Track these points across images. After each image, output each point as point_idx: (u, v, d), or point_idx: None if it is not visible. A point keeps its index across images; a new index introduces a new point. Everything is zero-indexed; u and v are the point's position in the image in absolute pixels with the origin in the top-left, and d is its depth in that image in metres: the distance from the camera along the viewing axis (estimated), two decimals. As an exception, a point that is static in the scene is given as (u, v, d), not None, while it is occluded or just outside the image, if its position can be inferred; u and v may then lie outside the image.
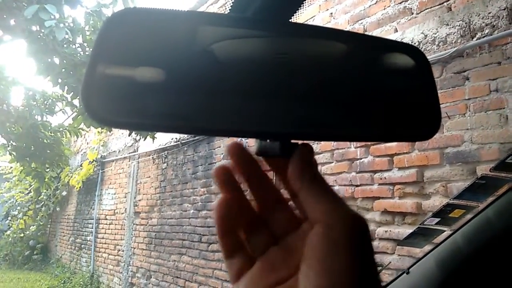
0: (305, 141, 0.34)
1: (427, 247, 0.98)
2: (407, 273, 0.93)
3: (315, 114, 0.33)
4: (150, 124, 0.32)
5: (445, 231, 0.94)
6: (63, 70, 4.31)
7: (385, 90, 0.35)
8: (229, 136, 0.33)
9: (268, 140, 0.33)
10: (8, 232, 10.88)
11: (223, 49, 0.33)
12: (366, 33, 2.89)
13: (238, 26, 0.33)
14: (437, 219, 0.96)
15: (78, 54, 4.19)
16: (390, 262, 2.37)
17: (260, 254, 0.34)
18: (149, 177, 6.05)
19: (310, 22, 3.37)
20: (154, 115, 0.30)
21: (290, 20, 0.35)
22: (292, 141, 0.33)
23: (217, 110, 0.31)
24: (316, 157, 3.20)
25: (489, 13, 2.16)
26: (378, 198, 2.64)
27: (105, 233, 7.44)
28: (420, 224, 1.01)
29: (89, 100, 0.29)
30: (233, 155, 0.34)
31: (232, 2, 0.33)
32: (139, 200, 6.25)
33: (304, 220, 0.34)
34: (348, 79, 0.35)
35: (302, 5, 0.34)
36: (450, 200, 0.95)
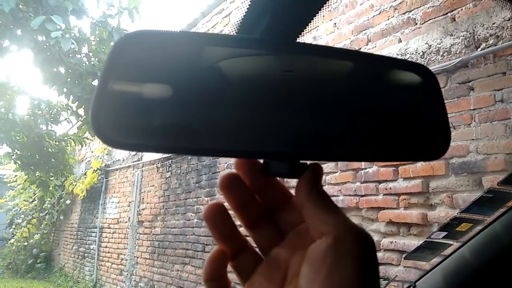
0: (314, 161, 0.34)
1: (434, 260, 0.97)
2: (414, 286, 0.92)
3: (324, 134, 0.33)
4: (158, 146, 0.32)
5: (452, 245, 0.93)
6: (69, 79, 4.35)
7: (394, 110, 0.35)
8: (238, 157, 0.34)
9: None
10: (12, 240, 10.89)
11: (230, 69, 0.33)
12: (370, 43, 2.90)
13: (244, 46, 0.33)
14: (444, 233, 0.95)
15: (84, 64, 4.23)
16: (397, 276, 2.35)
17: (247, 278, 0.34)
18: (153, 186, 6.05)
19: (314, 32, 3.38)
20: (163, 136, 0.31)
21: (297, 41, 0.35)
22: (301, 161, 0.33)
23: (227, 132, 0.31)
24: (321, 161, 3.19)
25: (493, 23, 2.17)
26: (383, 208, 2.62)
27: (109, 242, 7.43)
28: (427, 238, 1.00)
29: (99, 120, 0.29)
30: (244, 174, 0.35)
31: (239, 24, 0.34)
32: (143, 209, 6.25)
33: (289, 231, 0.35)
34: (357, 98, 0.35)
35: (308, 25, 0.35)
36: (457, 213, 0.94)
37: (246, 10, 0.33)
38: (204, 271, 0.34)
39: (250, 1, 0.32)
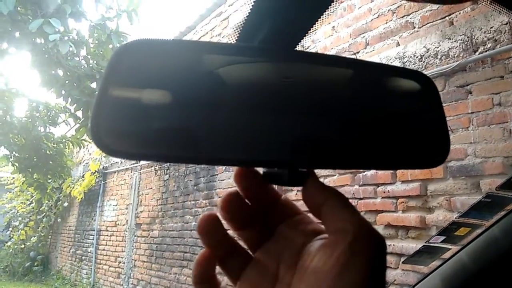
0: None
1: (433, 264, 0.97)
2: (412, 291, 0.91)
3: (323, 142, 0.33)
4: (157, 155, 0.32)
5: (450, 249, 0.93)
6: (67, 82, 4.35)
7: (393, 118, 0.35)
8: (238, 165, 0.33)
9: (276, 168, 0.33)
10: (9, 243, 10.84)
11: (230, 77, 0.33)
12: (368, 46, 2.91)
13: (243, 54, 0.33)
14: (442, 237, 0.95)
15: (82, 67, 4.23)
16: (395, 280, 2.35)
17: (238, 277, 0.34)
18: (151, 188, 6.04)
19: (312, 36, 3.38)
20: (163, 145, 0.30)
21: (296, 49, 0.35)
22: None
23: (227, 141, 0.31)
24: (319, 169, 3.15)
25: (491, 27, 2.17)
26: (381, 211, 2.62)
27: (106, 244, 7.41)
28: (425, 242, 1.00)
29: (99, 129, 0.29)
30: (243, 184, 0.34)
31: (239, 32, 0.34)
32: (141, 212, 6.23)
33: (277, 228, 0.35)
34: (356, 106, 0.35)
35: (308, 34, 0.35)
36: (455, 218, 0.94)
37: (246, 18, 0.33)
38: (192, 274, 0.34)
39: (250, 10, 0.32)
